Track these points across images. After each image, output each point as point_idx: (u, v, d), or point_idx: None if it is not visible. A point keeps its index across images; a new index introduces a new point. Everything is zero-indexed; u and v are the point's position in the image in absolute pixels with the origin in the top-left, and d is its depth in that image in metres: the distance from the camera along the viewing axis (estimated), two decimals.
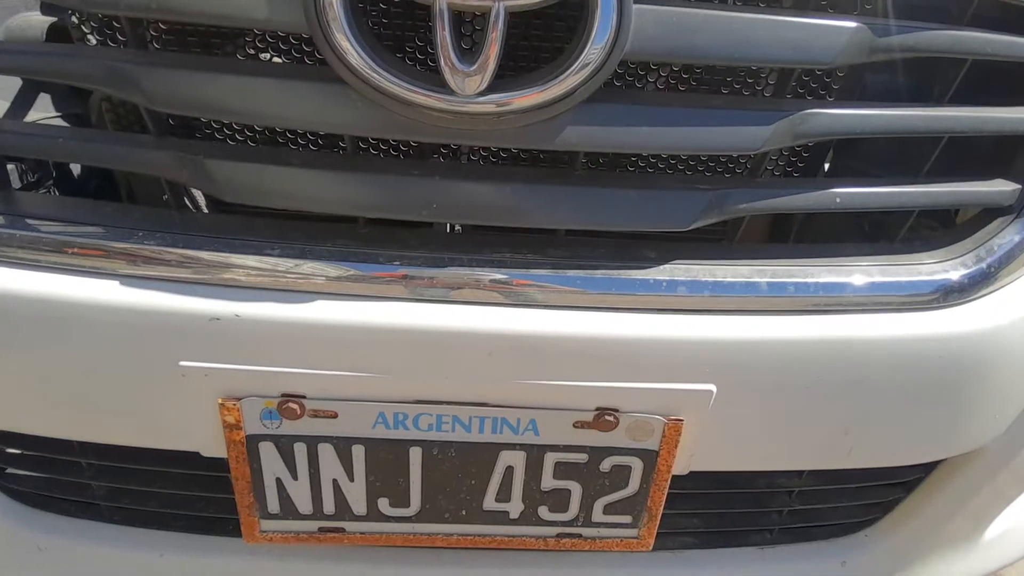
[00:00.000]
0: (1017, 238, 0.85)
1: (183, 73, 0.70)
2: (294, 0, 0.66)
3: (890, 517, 1.07)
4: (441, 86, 0.67)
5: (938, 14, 0.80)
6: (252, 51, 0.81)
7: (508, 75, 0.70)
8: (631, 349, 0.76)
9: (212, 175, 0.73)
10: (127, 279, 0.74)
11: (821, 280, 0.80)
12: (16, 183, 0.95)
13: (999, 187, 0.86)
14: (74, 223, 0.77)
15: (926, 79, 0.89)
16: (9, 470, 0.97)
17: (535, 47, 0.78)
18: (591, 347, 0.75)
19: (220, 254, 0.74)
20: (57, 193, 1.01)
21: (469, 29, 0.74)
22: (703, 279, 0.78)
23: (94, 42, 0.84)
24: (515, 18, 0.69)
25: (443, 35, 0.65)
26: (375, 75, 0.67)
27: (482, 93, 0.67)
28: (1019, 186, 0.86)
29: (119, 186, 1.03)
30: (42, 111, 1.05)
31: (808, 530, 1.05)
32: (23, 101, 0.93)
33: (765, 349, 0.77)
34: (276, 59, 0.80)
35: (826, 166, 1.01)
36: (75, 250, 0.74)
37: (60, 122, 1.07)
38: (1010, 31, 0.81)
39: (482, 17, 0.66)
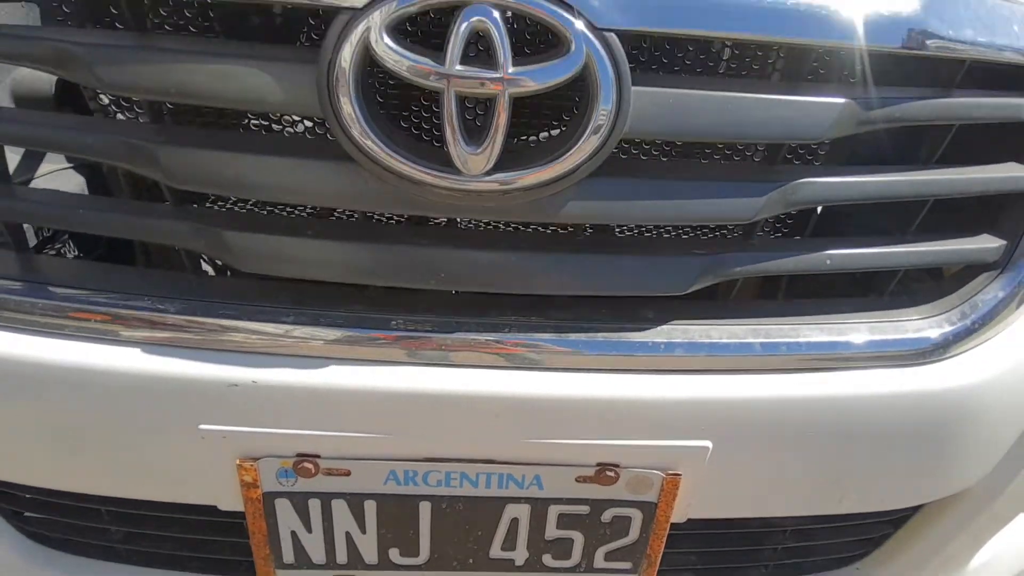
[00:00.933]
0: (1001, 294, 0.88)
1: (201, 152, 0.73)
2: (307, 87, 0.69)
3: (881, 550, 1.11)
4: (448, 164, 0.70)
5: (929, 77, 0.83)
6: (265, 120, 0.83)
7: (513, 143, 0.72)
8: (631, 409, 0.79)
9: (228, 245, 0.76)
10: (148, 346, 0.77)
11: (812, 340, 0.83)
12: (31, 236, 0.98)
13: (984, 243, 0.89)
14: (94, 289, 0.79)
15: (916, 136, 0.92)
16: (28, 513, 1.00)
17: (539, 113, 0.81)
18: (593, 408, 0.79)
19: (237, 322, 0.77)
20: (72, 245, 1.03)
21: (472, 100, 0.76)
22: (699, 340, 0.81)
23: (107, 101, 0.87)
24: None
25: (451, 120, 0.68)
26: (386, 156, 0.70)
27: (488, 172, 0.70)
28: (1004, 242, 0.89)
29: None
30: (54, 162, 1.08)
31: (802, 564, 1.09)
32: (35, 151, 0.95)
33: (759, 407, 0.81)
34: (289, 129, 0.83)
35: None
36: (97, 318, 0.77)
37: (72, 172, 1.09)
38: (1001, 87, 0.84)
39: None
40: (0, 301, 0.78)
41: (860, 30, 0.73)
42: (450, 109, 0.68)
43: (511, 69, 0.66)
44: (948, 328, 0.86)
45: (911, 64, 0.81)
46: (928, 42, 0.75)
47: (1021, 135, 0.89)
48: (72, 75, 0.72)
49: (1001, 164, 0.90)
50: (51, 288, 0.79)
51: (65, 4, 0.78)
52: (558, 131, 0.81)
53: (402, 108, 0.80)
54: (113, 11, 0.74)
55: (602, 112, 0.69)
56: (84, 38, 0.71)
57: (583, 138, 0.70)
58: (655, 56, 0.79)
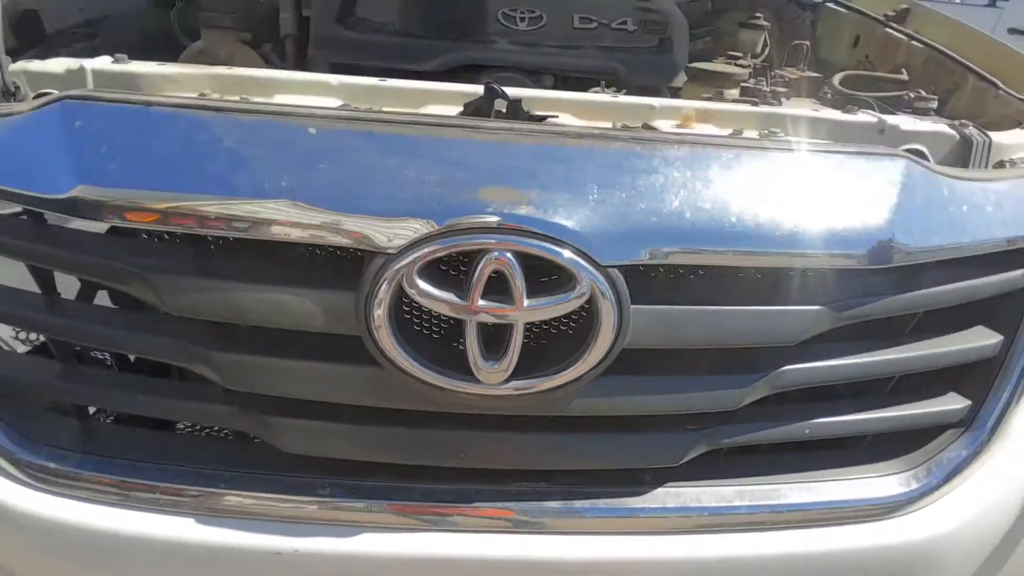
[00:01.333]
0: (964, 452, 0.98)
1: (252, 358, 0.82)
2: (347, 311, 0.78)
3: None
4: (469, 374, 0.80)
5: (903, 276, 0.92)
6: None
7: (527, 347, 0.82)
8: (628, 567, 0.89)
9: (272, 429, 0.86)
10: (202, 517, 0.87)
11: (790, 500, 0.93)
12: None
13: (951, 404, 0.98)
14: (149, 462, 0.89)
15: None
16: None
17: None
18: (595, 567, 0.89)
19: (278, 494, 0.87)
20: None
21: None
22: (690, 504, 0.91)
23: None
24: None
25: (473, 345, 0.77)
26: (414, 369, 0.79)
27: (505, 381, 0.80)
28: (969, 402, 0.99)
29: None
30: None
31: None
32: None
33: (744, 563, 0.91)
34: None
35: None
36: (156, 492, 0.87)
37: None
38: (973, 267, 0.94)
39: None
40: (69, 473, 0.88)
41: (828, 248, 0.83)
42: (472, 335, 0.77)
43: (526, 303, 0.76)
44: (914, 486, 0.96)
45: None
46: (894, 256, 0.85)
47: (990, 301, 0.99)
48: (136, 293, 0.82)
49: (970, 330, 0.99)
50: (112, 460, 0.89)
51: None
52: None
53: (424, 318, 0.89)
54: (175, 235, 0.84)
55: (605, 331, 0.79)
56: (147, 261, 0.81)
57: (588, 352, 0.80)
58: (650, 274, 0.87)
